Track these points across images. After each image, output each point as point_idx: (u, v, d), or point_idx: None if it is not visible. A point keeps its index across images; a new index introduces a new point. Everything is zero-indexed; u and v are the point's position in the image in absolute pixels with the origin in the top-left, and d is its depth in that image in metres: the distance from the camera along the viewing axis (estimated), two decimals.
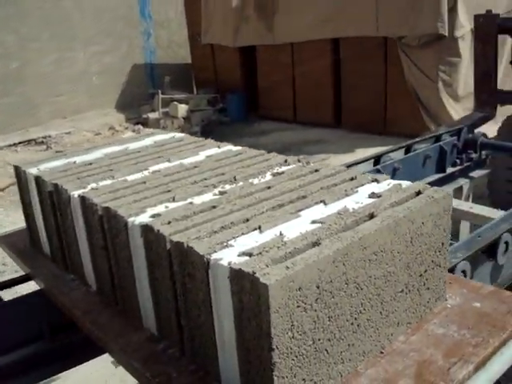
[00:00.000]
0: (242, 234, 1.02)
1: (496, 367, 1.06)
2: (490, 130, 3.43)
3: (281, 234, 1.00)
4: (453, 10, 5.99)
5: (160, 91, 8.49)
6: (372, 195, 1.17)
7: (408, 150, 2.73)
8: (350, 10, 6.74)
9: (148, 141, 1.84)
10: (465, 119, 3.39)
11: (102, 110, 9.00)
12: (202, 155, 1.61)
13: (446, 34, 5.99)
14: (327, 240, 0.97)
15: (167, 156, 1.61)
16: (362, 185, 1.25)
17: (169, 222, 1.10)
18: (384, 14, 6.46)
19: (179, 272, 1.03)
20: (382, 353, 1.08)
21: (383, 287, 1.06)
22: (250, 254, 0.93)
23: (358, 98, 6.85)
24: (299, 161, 1.47)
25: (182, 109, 8.15)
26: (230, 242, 0.99)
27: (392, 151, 2.65)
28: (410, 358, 1.06)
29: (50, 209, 1.49)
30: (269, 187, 1.28)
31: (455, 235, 2.46)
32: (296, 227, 1.03)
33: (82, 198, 1.31)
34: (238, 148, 1.67)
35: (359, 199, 1.16)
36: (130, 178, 1.43)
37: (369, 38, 6.69)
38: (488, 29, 3.33)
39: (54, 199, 1.45)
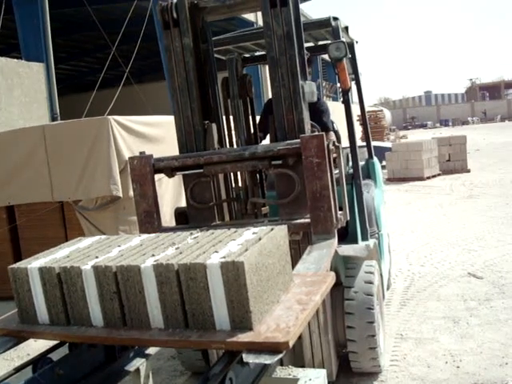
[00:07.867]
0: (210, 254, 2.14)
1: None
2: None
3: (229, 250, 2.15)
4: (124, 171, 6.20)
5: None
6: (253, 233, 2.40)
7: None
8: (22, 176, 6.63)
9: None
10: None
11: None
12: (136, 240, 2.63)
13: (121, 195, 6.20)
14: (250, 247, 2.15)
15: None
16: (243, 232, 2.47)
17: (167, 259, 2.14)
18: (57, 178, 6.46)
19: (184, 279, 2.08)
20: (278, 301, 2.27)
21: (273, 269, 2.27)
22: (224, 257, 2.06)
23: None
24: (200, 231, 2.63)
25: None
26: (209, 257, 2.09)
27: None
28: (292, 300, 2.27)
29: (55, 286, 2.31)
30: (197, 242, 2.40)
31: None
32: (232, 247, 2.19)
33: (96, 267, 2.22)
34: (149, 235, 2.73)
35: (248, 235, 2.37)
36: (110, 255, 2.37)
37: (45, 204, 6.63)
38: (143, 170, 3.50)
39: (61, 278, 2.29)
